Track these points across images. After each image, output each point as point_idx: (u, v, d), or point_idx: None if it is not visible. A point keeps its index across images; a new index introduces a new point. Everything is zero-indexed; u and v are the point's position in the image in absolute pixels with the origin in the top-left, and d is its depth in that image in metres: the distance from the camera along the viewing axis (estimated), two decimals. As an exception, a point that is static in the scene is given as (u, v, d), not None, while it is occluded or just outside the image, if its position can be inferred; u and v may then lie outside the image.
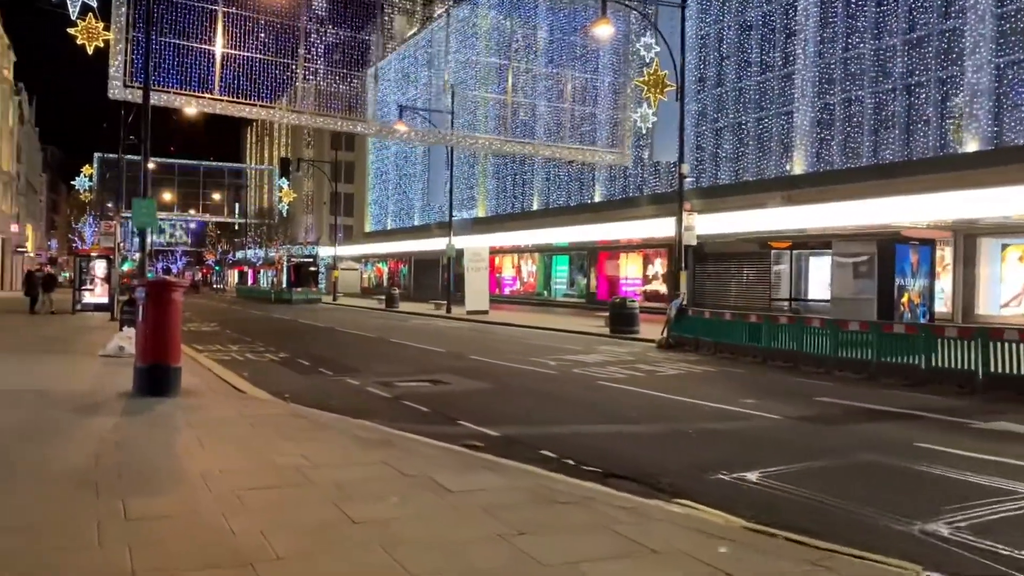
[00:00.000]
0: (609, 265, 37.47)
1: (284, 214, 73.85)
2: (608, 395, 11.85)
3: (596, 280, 37.92)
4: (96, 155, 65.73)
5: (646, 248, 34.68)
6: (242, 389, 11.25)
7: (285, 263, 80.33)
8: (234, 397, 10.59)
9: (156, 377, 10.18)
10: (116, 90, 17.66)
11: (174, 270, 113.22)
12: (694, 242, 21.09)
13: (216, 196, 76.30)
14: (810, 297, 23.43)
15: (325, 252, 76.57)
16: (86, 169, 62.68)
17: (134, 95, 17.66)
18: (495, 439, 8.45)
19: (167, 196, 65.41)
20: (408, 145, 59.78)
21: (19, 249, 64.47)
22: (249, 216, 74.96)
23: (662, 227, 31.87)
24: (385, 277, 66.38)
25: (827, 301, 20.10)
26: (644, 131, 25.43)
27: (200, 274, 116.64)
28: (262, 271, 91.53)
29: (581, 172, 39.94)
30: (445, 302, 35.88)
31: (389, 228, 64.74)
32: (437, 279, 53.49)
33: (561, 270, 41.44)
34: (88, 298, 31.44)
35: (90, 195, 61.87)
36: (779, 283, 27.31)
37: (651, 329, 23.28)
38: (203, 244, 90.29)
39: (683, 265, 20.82)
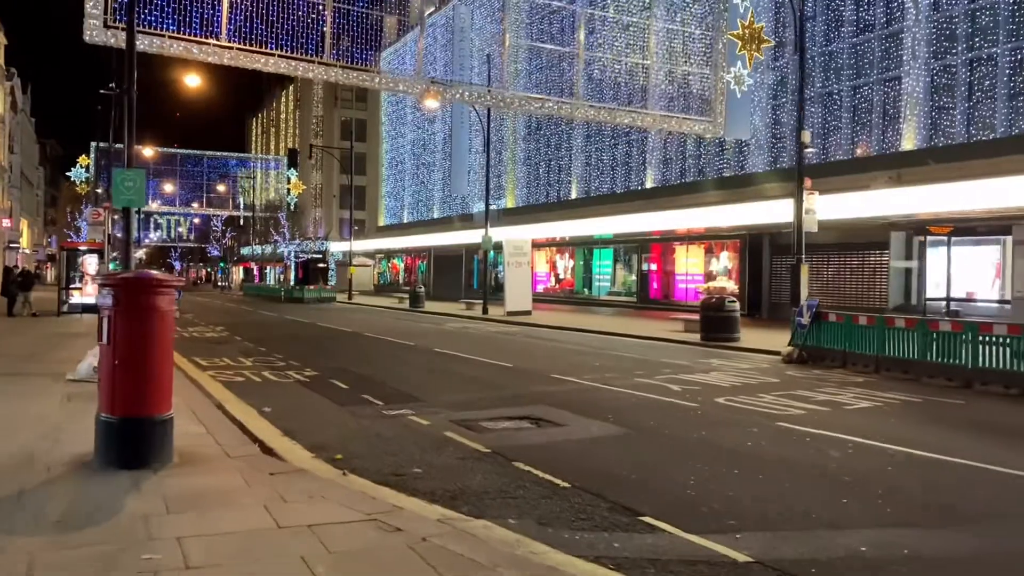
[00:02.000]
0: (664, 259, 33.38)
1: (293, 207, 69.84)
2: (820, 451, 7.79)
3: (648, 276, 33.81)
4: (93, 144, 61.75)
5: (709, 239, 30.59)
6: (272, 448, 7.21)
7: (294, 260, 76.60)
8: (261, 467, 6.55)
9: (130, 438, 6.23)
10: (94, 31, 13.64)
11: (177, 267, 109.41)
12: (815, 228, 17.04)
13: (221, 188, 72.26)
14: (953, 295, 19.30)
15: (337, 248, 72.71)
16: (82, 159, 58.83)
17: (117, 38, 13.66)
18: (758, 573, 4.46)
19: (168, 188, 61.54)
20: (430, 124, 55.77)
21: (12, 245, 60.55)
22: (257, 210, 70.92)
23: (731, 215, 27.82)
24: (401, 273, 62.38)
25: (997, 301, 15.98)
26: (739, 95, 21.29)
27: (202, 271, 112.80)
28: (269, 268, 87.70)
29: (628, 156, 35.84)
30: (480, 301, 31.86)
31: (406, 221, 60.70)
32: (460, 276, 49.50)
33: (604, 265, 37.35)
34: (76, 298, 27.49)
35: (87, 187, 57.97)
36: (899, 278, 23.20)
37: (749, 336, 19.26)
38: (206, 240, 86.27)
39: (801, 257, 16.78)
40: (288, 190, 62.46)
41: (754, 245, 28.51)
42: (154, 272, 6.72)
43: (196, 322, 26.85)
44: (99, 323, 6.49)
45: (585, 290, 38.14)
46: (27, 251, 75.86)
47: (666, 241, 32.61)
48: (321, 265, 79.03)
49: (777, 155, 27.86)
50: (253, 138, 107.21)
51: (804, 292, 16.42)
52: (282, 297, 47.96)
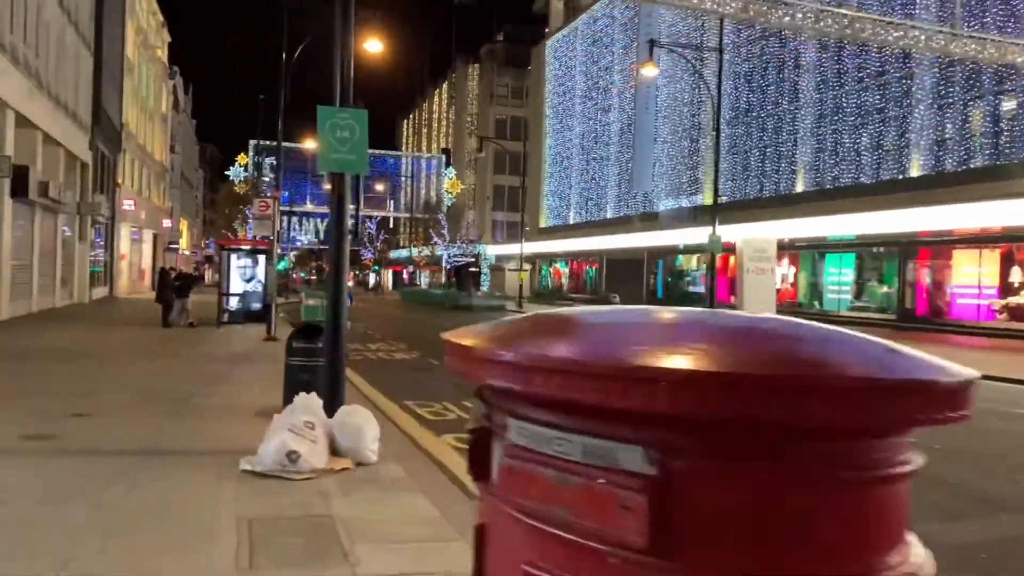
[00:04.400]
0: (933, 267, 26.53)
1: (449, 207, 66.13)
2: None
3: (915, 288, 26.98)
4: (252, 143, 60.14)
5: (1010, 242, 23.59)
6: None
7: (445, 263, 73.17)
8: None
9: None
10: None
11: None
12: None
13: (379, 187, 69.66)
14: None
15: (495, 251, 68.64)
16: (241, 158, 57.33)
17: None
18: None
19: (326, 186, 59.39)
20: (603, 114, 50.39)
21: (172, 246, 59.71)
22: (414, 211, 67.79)
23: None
24: (564, 279, 57.32)
25: None
26: None
27: (350, 274, 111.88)
28: (418, 272, 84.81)
29: (881, 138, 29.09)
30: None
31: (572, 222, 55.56)
32: (640, 283, 43.82)
33: (840, 274, 30.73)
34: (236, 304, 23.73)
35: (246, 186, 56.22)
36: None
37: None
38: (359, 242, 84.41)
39: None
40: (446, 190, 58.71)
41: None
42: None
43: (374, 335, 22.48)
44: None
45: (815, 303, 31.59)
46: (186, 252, 76.01)
47: (940, 244, 25.75)
48: (473, 269, 75.29)
49: None
50: (404, 139, 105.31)
51: None
52: (447, 304, 43.76)
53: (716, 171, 25.45)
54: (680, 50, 29.89)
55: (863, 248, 29.22)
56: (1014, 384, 14.40)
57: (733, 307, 25.15)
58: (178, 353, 15.63)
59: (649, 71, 24.70)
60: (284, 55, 21.33)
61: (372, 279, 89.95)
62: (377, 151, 72.88)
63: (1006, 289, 23.64)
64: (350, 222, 6.90)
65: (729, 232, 30.56)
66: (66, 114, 27.99)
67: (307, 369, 8.57)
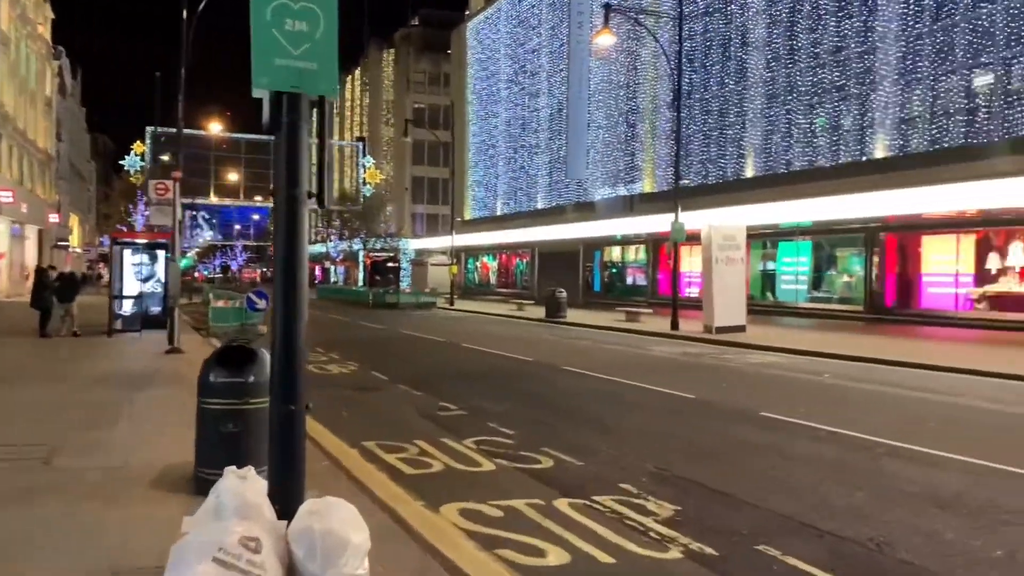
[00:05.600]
0: (902, 254, 25.02)
1: (367, 198, 62.43)
2: None
3: (882, 278, 25.38)
4: (149, 129, 55.07)
5: (986, 227, 22.15)
6: None
7: (361, 259, 69.45)
8: None
9: None
10: None
11: (233, 267, 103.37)
12: None
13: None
14: None
15: (416, 244, 65.54)
16: (137, 147, 52.20)
17: None
18: None
19: (232, 177, 54.40)
20: (532, 99, 47.82)
21: (60, 243, 54.22)
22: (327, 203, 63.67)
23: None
24: (493, 273, 54.69)
25: None
26: None
27: (257, 272, 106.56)
28: (331, 268, 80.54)
29: (839, 118, 27.45)
30: (635, 310, 23.89)
31: (500, 213, 52.91)
32: (576, 275, 41.56)
33: (795, 263, 29.05)
34: (131, 308, 20.15)
35: (141, 176, 51.27)
36: None
37: None
38: (267, 238, 79.67)
39: None
40: (365, 180, 55.03)
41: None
42: None
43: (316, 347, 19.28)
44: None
45: (768, 295, 29.83)
46: (78, 250, 69.92)
47: (910, 229, 24.23)
48: (392, 264, 71.84)
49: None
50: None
51: None
52: (370, 302, 40.44)
53: (677, 152, 23.24)
54: (637, 16, 27.53)
55: (822, 236, 27.59)
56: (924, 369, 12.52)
57: (677, 301, 23.05)
58: (52, 374, 12.24)
59: (605, 39, 22.23)
60: (184, 11, 17.85)
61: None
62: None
63: (983, 277, 22.22)
64: (313, 184, 4.02)
65: (662, 222, 28.54)
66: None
67: (233, 416, 5.68)
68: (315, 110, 4.15)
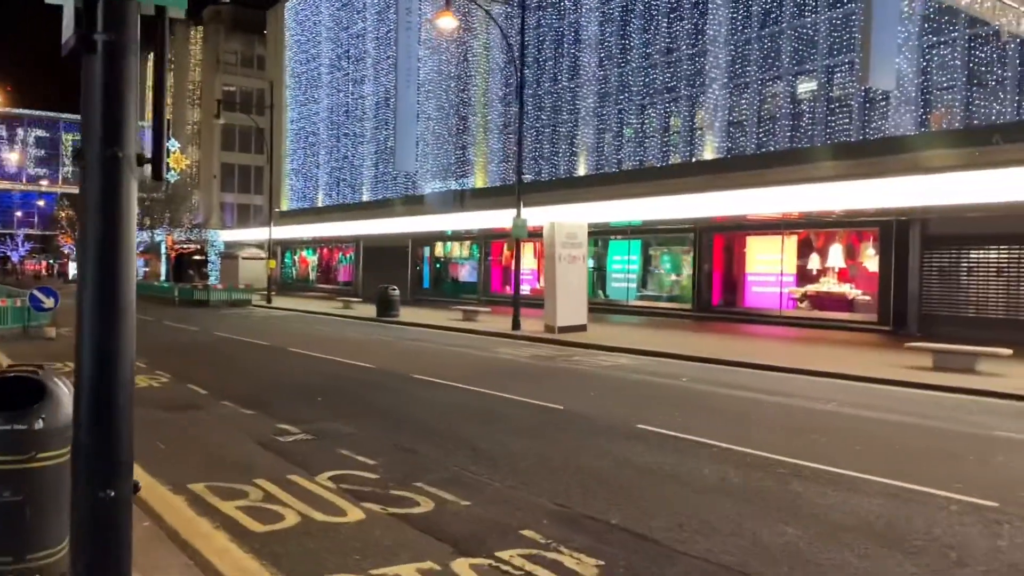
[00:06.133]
0: (729, 255, 25.67)
1: (170, 185, 57.60)
2: None
3: (709, 276, 25.91)
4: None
5: (808, 228, 23.08)
6: None
7: (164, 251, 64.27)
8: None
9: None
10: None
11: (14, 258, 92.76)
12: None
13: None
14: None
15: (226, 236, 61.52)
16: None
17: None
18: None
19: (12, 157, 47.88)
20: (356, 85, 45.76)
21: None
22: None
23: (861, 193, 20.37)
24: (312, 269, 52.05)
25: None
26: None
27: (42, 263, 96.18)
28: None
29: (667, 120, 27.84)
30: (472, 309, 23.05)
31: (320, 205, 50.37)
32: (405, 271, 40.18)
33: (625, 261, 29.26)
34: None
35: None
36: None
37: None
38: (55, 227, 71.90)
39: None
40: (169, 164, 50.74)
41: (890, 234, 21.17)
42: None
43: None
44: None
45: (600, 293, 29.86)
46: None
47: (736, 230, 24.90)
48: (198, 258, 67.04)
49: (928, 113, 20.63)
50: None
51: None
52: (176, 299, 36.93)
53: (520, 146, 22.55)
54: (478, 2, 26.47)
55: (652, 235, 27.91)
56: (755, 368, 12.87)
57: (510, 298, 22.42)
58: None
59: (447, 22, 21.09)
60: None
61: (72, 269, 77.31)
62: (76, 116, 61.71)
63: (805, 277, 23.15)
64: (145, 142, 2.59)
65: (502, 217, 27.94)
66: None
67: (9, 479, 4.04)
68: (153, 32, 2.71)
